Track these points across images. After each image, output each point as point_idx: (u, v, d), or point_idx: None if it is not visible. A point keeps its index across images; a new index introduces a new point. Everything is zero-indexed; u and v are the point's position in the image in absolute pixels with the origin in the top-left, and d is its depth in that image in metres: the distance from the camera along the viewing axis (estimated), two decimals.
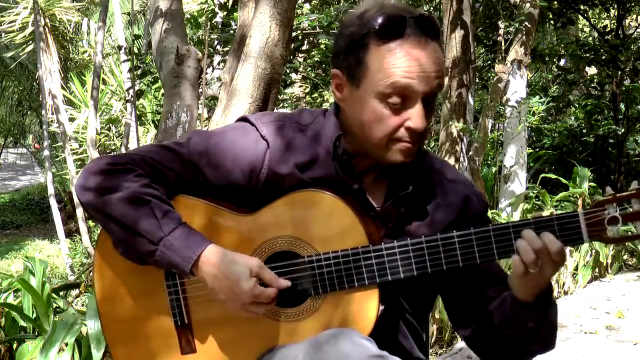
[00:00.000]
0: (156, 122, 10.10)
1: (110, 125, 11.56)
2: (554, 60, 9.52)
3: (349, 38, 1.45)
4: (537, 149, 9.16)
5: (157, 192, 1.47)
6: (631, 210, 1.38)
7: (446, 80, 6.45)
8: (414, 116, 1.41)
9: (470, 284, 1.56)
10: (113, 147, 11.34)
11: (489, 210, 6.06)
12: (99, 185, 1.46)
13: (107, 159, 1.50)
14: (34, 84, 14.89)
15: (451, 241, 1.42)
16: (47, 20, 11.33)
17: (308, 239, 1.46)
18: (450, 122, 6.24)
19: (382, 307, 1.45)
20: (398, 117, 1.42)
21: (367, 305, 1.43)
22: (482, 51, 8.68)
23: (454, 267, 1.42)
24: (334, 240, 1.44)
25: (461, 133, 6.22)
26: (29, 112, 17.02)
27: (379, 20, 1.40)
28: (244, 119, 1.58)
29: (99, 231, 1.56)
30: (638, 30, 10.59)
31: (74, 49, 13.85)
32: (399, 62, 1.38)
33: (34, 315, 3.46)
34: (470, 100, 6.60)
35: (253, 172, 1.50)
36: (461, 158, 6.32)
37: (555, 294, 5.54)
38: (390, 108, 1.41)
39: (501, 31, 7.14)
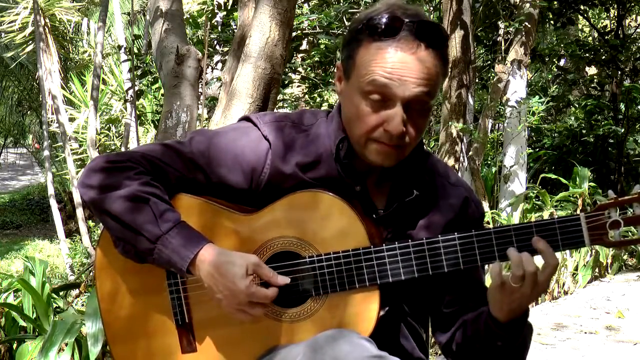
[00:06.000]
0: (156, 122, 10.09)
1: (110, 125, 11.57)
2: (554, 60, 9.51)
3: (349, 33, 1.45)
4: (537, 149, 9.17)
5: (157, 191, 1.46)
6: (632, 214, 1.37)
7: (446, 80, 6.45)
8: (391, 118, 1.38)
9: (455, 291, 1.54)
10: (113, 147, 11.34)
11: (489, 210, 6.09)
12: (99, 183, 1.46)
13: (107, 156, 1.50)
14: (34, 84, 14.88)
15: (452, 243, 1.41)
16: (47, 20, 11.33)
17: (309, 239, 1.45)
18: (450, 123, 6.24)
19: (383, 311, 1.44)
20: (377, 116, 1.39)
21: (367, 307, 1.43)
22: (482, 51, 8.68)
23: (456, 269, 1.41)
24: (335, 241, 1.44)
25: (461, 133, 6.22)
26: (29, 112, 17.03)
27: (376, 19, 1.39)
28: (245, 119, 1.58)
29: (100, 230, 1.56)
30: (638, 30, 10.59)
31: (74, 49, 13.85)
32: (383, 61, 1.37)
33: (34, 315, 3.46)
34: (470, 100, 6.60)
35: (254, 171, 1.49)
36: (461, 158, 6.32)
37: (555, 294, 5.54)
38: (371, 106, 1.39)
39: (501, 31, 7.14)
